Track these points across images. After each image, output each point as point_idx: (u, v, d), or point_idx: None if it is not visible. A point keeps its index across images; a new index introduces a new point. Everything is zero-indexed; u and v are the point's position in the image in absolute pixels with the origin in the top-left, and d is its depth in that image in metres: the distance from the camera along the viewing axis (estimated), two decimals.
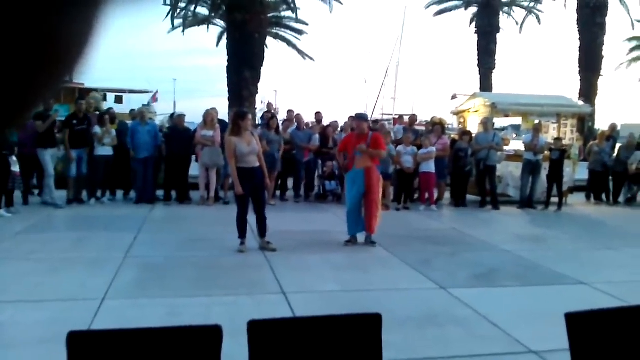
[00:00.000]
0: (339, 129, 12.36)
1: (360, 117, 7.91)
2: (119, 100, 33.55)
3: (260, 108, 22.66)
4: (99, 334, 2.21)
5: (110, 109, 13.43)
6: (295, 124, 11.83)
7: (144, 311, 4.68)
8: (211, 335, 2.09)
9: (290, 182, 11.98)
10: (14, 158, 9.20)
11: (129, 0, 0.36)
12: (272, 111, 14.15)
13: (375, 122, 15.83)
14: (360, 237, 7.53)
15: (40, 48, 0.34)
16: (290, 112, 12.34)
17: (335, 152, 9.27)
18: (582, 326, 2.25)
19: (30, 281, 5.50)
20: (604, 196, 12.81)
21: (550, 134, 13.00)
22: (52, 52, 0.34)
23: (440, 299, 5.31)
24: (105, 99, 33.31)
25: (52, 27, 0.33)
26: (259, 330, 2.14)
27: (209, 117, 10.64)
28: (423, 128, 13.78)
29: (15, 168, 9.18)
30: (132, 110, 11.95)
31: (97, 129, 10.31)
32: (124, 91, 34.53)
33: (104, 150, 10.36)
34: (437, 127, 11.85)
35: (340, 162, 7.87)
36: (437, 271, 6.25)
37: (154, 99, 36.26)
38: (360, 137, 7.41)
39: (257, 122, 13.97)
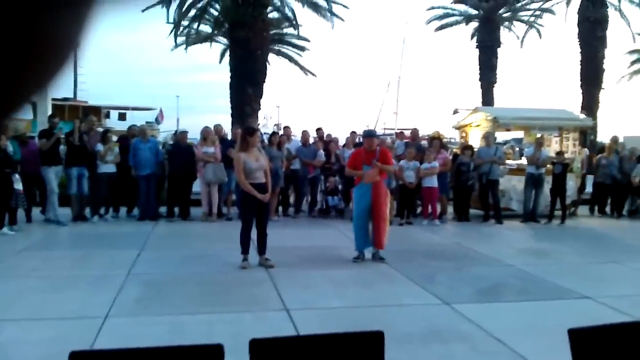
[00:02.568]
0: (341, 145, 12.41)
1: (369, 134, 7.99)
2: (122, 117, 33.83)
3: (262, 124, 22.76)
4: (100, 354, 2.21)
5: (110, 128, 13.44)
6: (286, 137, 12.04)
7: (147, 329, 4.67)
8: (212, 355, 2.08)
9: (292, 198, 11.99)
10: (17, 176, 9.24)
11: (115, 1, 0.36)
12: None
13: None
14: (367, 252, 7.48)
15: (27, 48, 0.33)
16: (286, 128, 12.67)
17: (340, 168, 9.27)
18: (585, 342, 2.24)
19: (32, 299, 5.50)
20: (608, 209, 12.77)
21: (552, 147, 13.01)
22: (39, 53, 0.34)
23: (444, 314, 5.28)
24: (108, 116, 33.62)
25: (41, 26, 0.33)
26: (260, 349, 2.14)
27: (208, 134, 10.71)
28: (425, 142, 13.82)
29: (19, 186, 9.21)
30: (131, 127, 11.92)
31: (99, 147, 10.34)
32: (127, 108, 34.80)
33: (107, 168, 10.38)
34: (435, 141, 11.90)
35: (355, 176, 7.73)
36: (441, 286, 6.22)
37: (162, 116, 36.54)
38: (370, 153, 7.41)
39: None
